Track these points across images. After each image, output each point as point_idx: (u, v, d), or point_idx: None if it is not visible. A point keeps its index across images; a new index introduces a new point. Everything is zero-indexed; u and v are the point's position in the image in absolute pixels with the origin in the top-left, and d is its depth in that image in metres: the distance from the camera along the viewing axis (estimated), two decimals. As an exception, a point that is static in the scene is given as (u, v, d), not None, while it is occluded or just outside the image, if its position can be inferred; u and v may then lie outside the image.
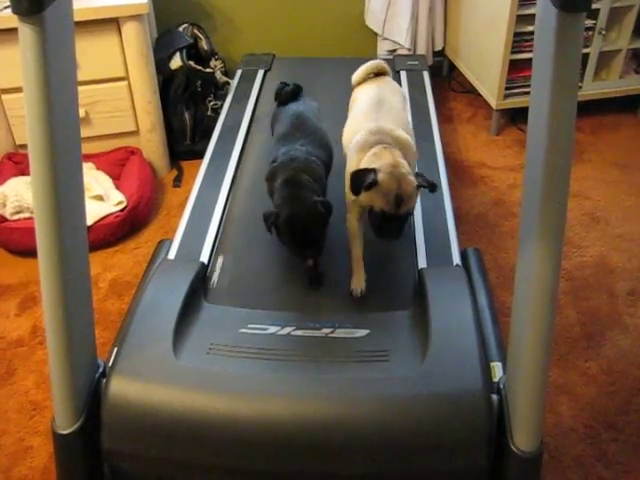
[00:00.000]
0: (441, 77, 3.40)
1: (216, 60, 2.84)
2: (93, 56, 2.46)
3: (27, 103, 1.14)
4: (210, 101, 2.78)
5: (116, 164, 2.65)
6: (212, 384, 1.50)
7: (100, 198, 2.42)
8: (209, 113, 2.78)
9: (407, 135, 1.80)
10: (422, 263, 1.93)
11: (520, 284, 1.33)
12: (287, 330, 1.72)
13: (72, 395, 1.38)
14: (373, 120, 1.79)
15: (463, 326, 1.65)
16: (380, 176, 1.61)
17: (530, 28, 2.71)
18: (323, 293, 1.84)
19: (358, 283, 1.80)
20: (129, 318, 1.72)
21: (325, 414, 1.44)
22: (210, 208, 2.18)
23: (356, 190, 1.64)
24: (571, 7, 1.00)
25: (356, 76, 2.06)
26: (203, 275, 1.91)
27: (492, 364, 1.70)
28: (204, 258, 1.97)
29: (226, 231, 2.08)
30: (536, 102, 1.17)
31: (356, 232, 1.78)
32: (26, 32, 1.09)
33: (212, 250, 2.01)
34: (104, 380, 1.49)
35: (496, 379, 1.58)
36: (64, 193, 1.24)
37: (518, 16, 2.65)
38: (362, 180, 1.62)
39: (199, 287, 1.86)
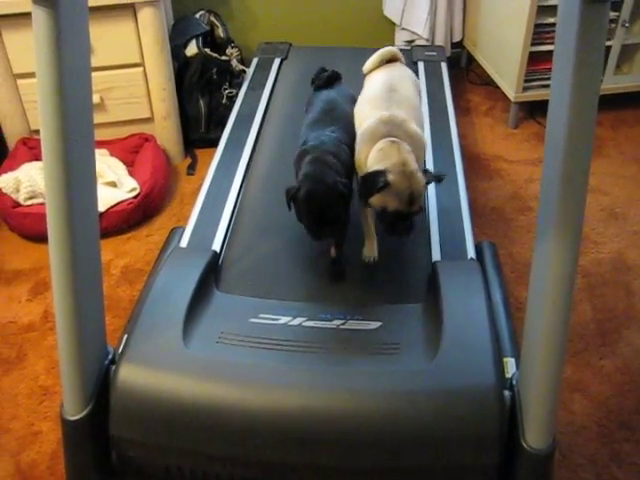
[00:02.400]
0: (459, 69, 3.36)
1: (232, 48, 2.82)
2: (108, 42, 2.45)
3: (40, 89, 1.13)
4: (225, 89, 2.76)
5: (130, 151, 2.64)
6: (221, 373, 1.49)
7: (113, 184, 2.41)
8: (224, 101, 2.76)
9: (418, 129, 1.78)
10: (436, 256, 1.91)
11: (536, 279, 1.31)
12: (298, 321, 1.70)
13: (81, 382, 1.38)
14: (385, 108, 1.77)
15: (476, 321, 1.63)
16: (391, 177, 1.59)
17: (551, 20, 2.67)
18: (335, 284, 1.83)
19: (370, 251, 1.83)
20: (139, 306, 1.71)
21: (335, 406, 1.43)
22: (223, 196, 2.16)
23: (367, 195, 1.63)
24: (595, -3, 0.98)
25: (368, 64, 2.03)
26: (215, 264, 1.90)
27: (505, 359, 1.67)
28: (216, 247, 1.95)
29: (239, 220, 2.06)
30: (556, 95, 1.15)
31: (367, 219, 1.81)
32: (39, 16, 1.08)
33: (224, 239, 2.00)
34: (113, 367, 1.48)
35: (509, 375, 1.56)
36: (76, 179, 1.23)
37: (539, 7, 2.60)
38: (373, 185, 1.60)
39: (210, 276, 1.85)
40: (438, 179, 1.68)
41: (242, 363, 1.53)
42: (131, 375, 1.47)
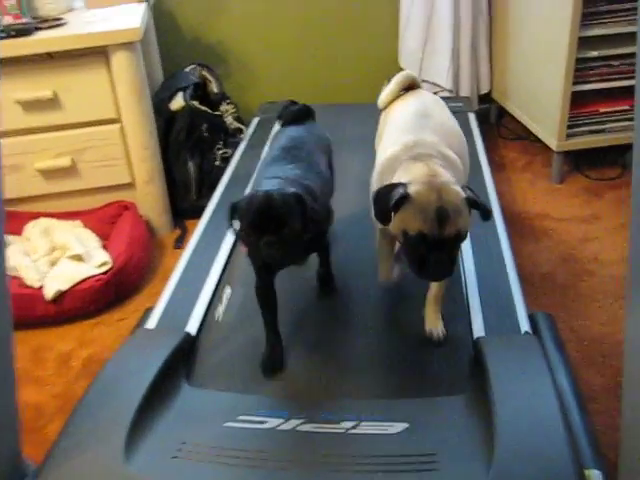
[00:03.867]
0: (489, 125, 2.97)
1: (227, 104, 2.48)
2: (79, 94, 2.11)
3: None
4: (219, 149, 2.39)
5: (107, 222, 2.25)
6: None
7: (79, 258, 2.01)
8: (218, 163, 2.38)
9: (452, 153, 1.37)
10: (479, 331, 1.45)
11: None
12: (292, 424, 1.24)
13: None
14: (415, 135, 1.37)
15: (543, 417, 1.18)
16: (413, 188, 1.19)
17: (594, 53, 2.28)
18: (342, 372, 1.37)
19: (385, 273, 1.57)
20: (76, 405, 1.27)
21: None
22: (205, 271, 1.76)
23: (383, 213, 1.22)
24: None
25: (385, 95, 1.65)
26: (187, 349, 1.46)
27: (587, 472, 1.18)
28: (191, 328, 1.53)
29: (222, 299, 1.64)
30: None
31: (385, 252, 1.53)
32: None
33: (202, 320, 1.57)
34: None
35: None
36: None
37: (580, 39, 2.22)
38: (389, 198, 1.19)
39: (179, 365, 1.41)
40: (485, 211, 1.24)
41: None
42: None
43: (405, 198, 1.19)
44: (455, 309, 1.53)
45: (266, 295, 1.43)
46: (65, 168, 2.19)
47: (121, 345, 1.46)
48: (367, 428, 1.22)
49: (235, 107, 2.51)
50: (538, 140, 2.63)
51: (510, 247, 1.79)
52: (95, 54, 2.05)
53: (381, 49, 2.90)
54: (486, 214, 1.25)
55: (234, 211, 1.31)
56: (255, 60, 2.84)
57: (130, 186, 2.29)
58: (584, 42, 2.24)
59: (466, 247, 1.75)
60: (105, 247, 2.14)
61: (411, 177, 1.23)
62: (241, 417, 1.26)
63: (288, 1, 2.76)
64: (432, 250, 1.19)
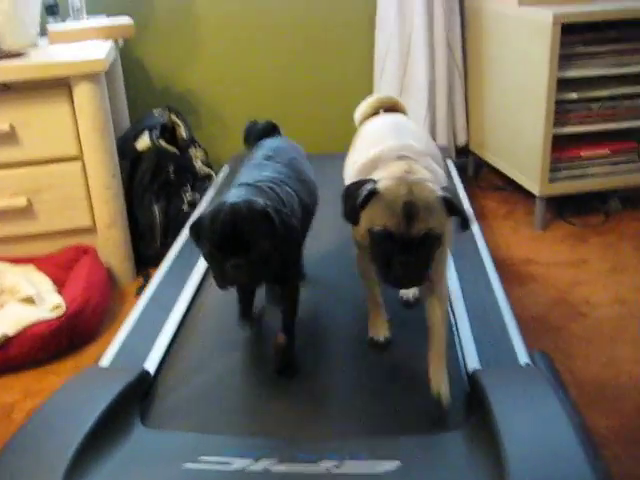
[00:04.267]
0: (467, 177, 2.90)
1: (196, 149, 2.37)
2: (38, 129, 1.98)
3: None
4: (186, 192, 2.26)
5: (63, 267, 2.08)
6: None
7: (30, 301, 1.83)
8: (185, 208, 2.25)
9: (438, 167, 1.26)
10: (473, 363, 1.29)
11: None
12: (263, 464, 1.05)
13: None
14: (394, 139, 1.26)
15: (560, 449, 1.00)
16: (382, 183, 1.09)
17: (574, 95, 2.24)
18: (322, 411, 1.20)
19: (377, 329, 1.41)
20: (6, 443, 1.08)
21: None
22: (167, 308, 1.60)
23: (351, 211, 1.11)
24: None
25: (362, 108, 1.56)
26: (142, 388, 1.28)
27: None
28: (149, 366, 1.35)
29: (185, 336, 1.50)
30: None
31: (368, 272, 1.35)
32: None
33: (163, 358, 1.40)
34: None
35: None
36: None
37: (558, 81, 2.18)
38: (357, 194, 1.10)
39: (133, 404, 1.22)
40: (463, 217, 1.12)
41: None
42: None
43: (373, 194, 1.08)
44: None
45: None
46: (20, 209, 2.03)
47: (66, 381, 1.27)
48: (351, 467, 1.04)
49: (204, 152, 2.40)
50: (518, 190, 2.56)
51: (500, 281, 1.68)
52: (57, 86, 1.94)
53: (358, 98, 2.84)
54: (465, 222, 1.14)
55: (198, 229, 1.18)
56: (226, 110, 2.75)
57: (90, 230, 2.13)
58: (562, 84, 2.21)
59: (453, 281, 1.63)
60: (60, 292, 1.96)
61: (386, 174, 1.12)
62: (203, 458, 1.08)
63: (262, 49, 2.71)
64: (399, 250, 1.07)
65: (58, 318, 1.80)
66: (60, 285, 2.02)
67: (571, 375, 1.61)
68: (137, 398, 1.24)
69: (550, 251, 2.24)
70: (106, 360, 1.39)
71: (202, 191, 2.31)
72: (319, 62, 2.76)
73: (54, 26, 2.23)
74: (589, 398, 1.54)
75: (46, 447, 1.04)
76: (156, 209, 2.21)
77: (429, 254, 1.09)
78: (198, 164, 2.34)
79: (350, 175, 1.32)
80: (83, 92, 1.94)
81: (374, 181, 1.10)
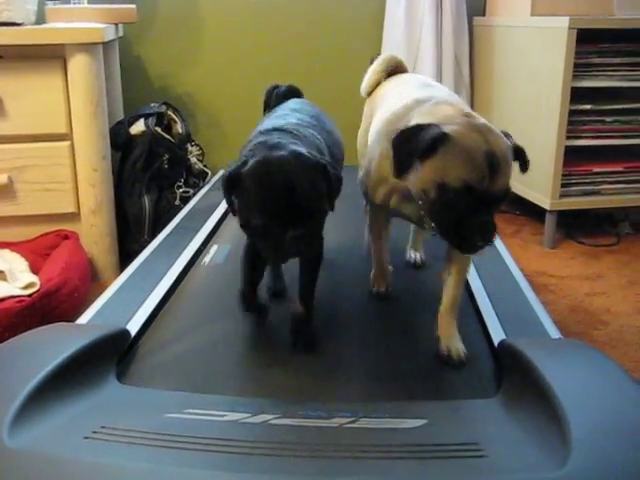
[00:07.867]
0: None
1: (192, 146, 2.25)
2: (27, 103, 1.85)
3: None
4: (180, 187, 2.12)
5: (41, 253, 1.91)
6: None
7: (1, 277, 1.65)
8: (177, 202, 2.11)
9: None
10: (499, 335, 1.14)
11: None
12: (262, 418, 0.89)
13: None
14: (425, 93, 1.14)
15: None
16: (450, 128, 0.93)
17: (588, 106, 2.16)
18: (334, 377, 1.04)
19: (379, 280, 1.33)
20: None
21: None
22: (156, 277, 1.45)
23: (406, 160, 0.95)
24: None
25: (369, 77, 1.44)
26: (121, 346, 1.12)
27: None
28: (132, 327, 1.19)
29: (174, 303, 1.35)
30: None
31: (380, 230, 1.28)
32: None
33: (148, 320, 1.24)
34: None
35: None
36: None
37: (573, 90, 2.11)
38: (418, 139, 0.92)
39: (108, 360, 1.06)
40: (527, 159, 1.04)
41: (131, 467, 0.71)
42: None
43: (442, 139, 0.91)
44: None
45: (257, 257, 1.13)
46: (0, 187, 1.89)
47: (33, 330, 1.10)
48: (369, 423, 0.88)
49: (201, 149, 2.28)
50: (524, 213, 2.47)
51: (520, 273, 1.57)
52: (51, 57, 1.82)
53: (359, 104, 2.76)
54: (527, 164, 1.05)
55: (233, 185, 0.97)
56: (225, 114, 2.66)
57: (74, 216, 1.97)
58: (576, 96, 2.13)
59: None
60: (36, 274, 1.79)
61: (442, 117, 0.96)
62: (189, 410, 0.90)
63: (263, 49, 2.63)
64: (477, 209, 0.92)
65: (30, 295, 1.62)
66: (37, 271, 1.85)
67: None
68: (113, 355, 1.07)
69: (563, 266, 2.11)
70: (84, 318, 1.22)
71: (196, 187, 2.18)
72: (322, 67, 2.69)
73: (53, 6, 2.14)
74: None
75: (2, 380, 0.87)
76: (146, 200, 2.07)
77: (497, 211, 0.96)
78: (193, 159, 2.21)
79: (376, 130, 1.18)
80: (78, 64, 1.83)
81: (437, 126, 0.93)
